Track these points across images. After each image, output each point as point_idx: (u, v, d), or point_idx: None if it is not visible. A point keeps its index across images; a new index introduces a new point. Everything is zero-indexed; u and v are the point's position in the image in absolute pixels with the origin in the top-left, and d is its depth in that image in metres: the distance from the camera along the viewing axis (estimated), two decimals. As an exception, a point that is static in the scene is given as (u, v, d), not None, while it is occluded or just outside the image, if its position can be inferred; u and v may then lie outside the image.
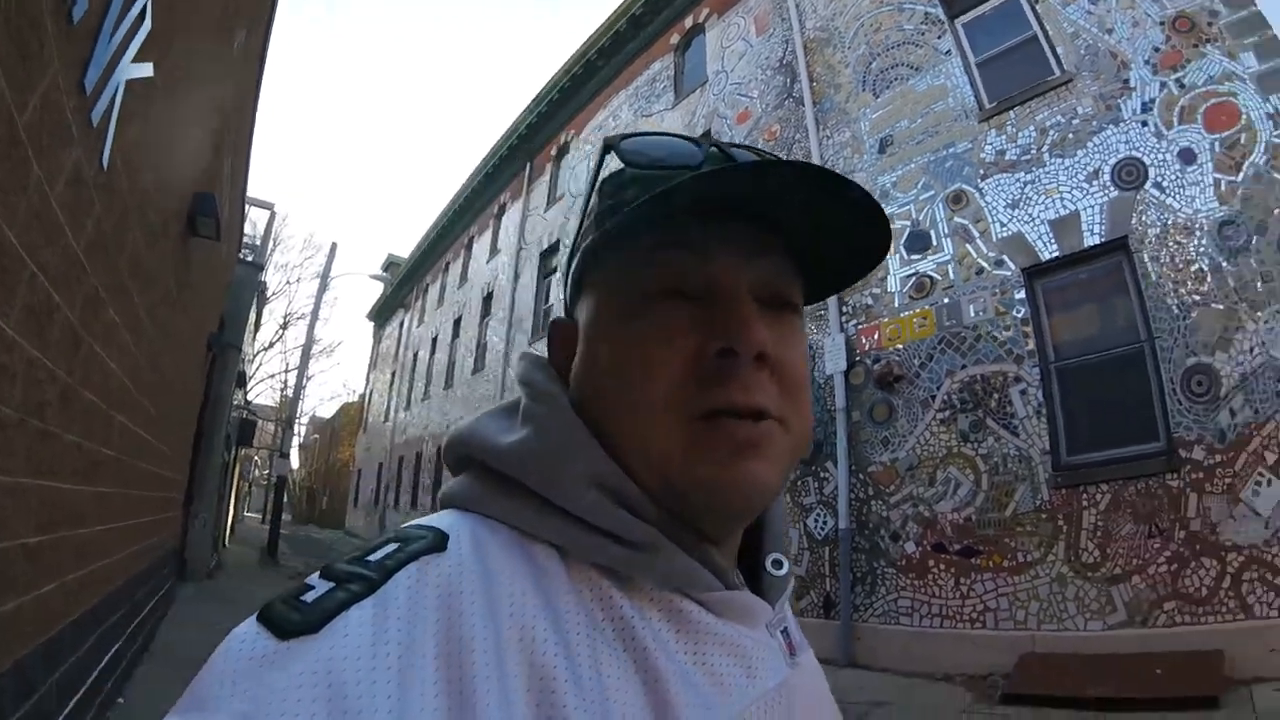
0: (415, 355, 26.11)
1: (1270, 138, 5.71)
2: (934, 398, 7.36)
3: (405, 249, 33.14)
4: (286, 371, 28.62)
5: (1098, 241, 6.62)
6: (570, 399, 0.54)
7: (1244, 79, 5.95)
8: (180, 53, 3.90)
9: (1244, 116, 5.88)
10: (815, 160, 8.59)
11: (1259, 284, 5.58)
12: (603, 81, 15.58)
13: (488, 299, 19.69)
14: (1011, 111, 7.50)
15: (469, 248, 22.47)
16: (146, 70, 3.10)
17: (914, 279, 7.89)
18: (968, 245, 7.52)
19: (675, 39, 13.53)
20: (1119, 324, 6.52)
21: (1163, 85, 6.41)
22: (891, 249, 0.66)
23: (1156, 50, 6.51)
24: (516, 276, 17.71)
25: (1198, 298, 5.88)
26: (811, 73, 9.84)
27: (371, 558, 0.42)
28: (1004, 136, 7.50)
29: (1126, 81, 6.66)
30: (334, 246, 21.99)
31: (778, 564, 0.58)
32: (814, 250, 0.55)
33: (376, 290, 33.21)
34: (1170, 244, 6.11)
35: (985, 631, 6.39)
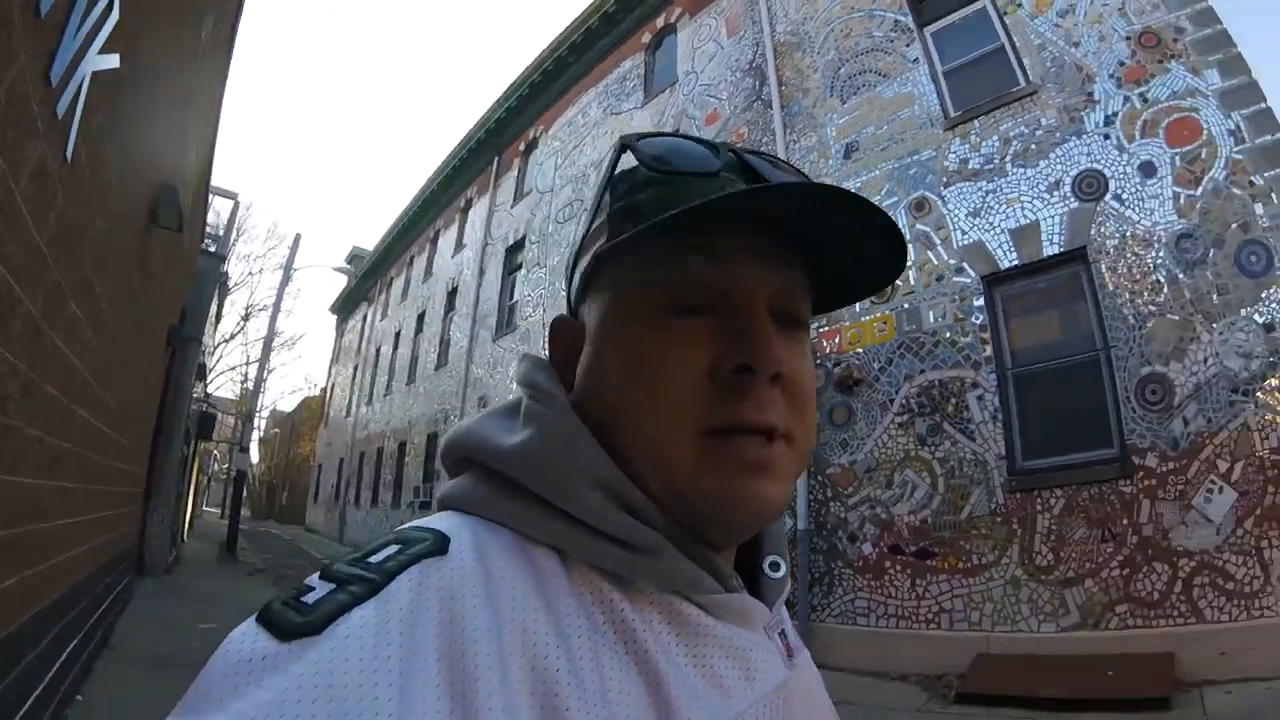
0: (378, 350, 25.48)
1: (1230, 154, 5.76)
2: (892, 401, 7.33)
3: (370, 241, 32.47)
4: (247, 364, 28.13)
5: (1057, 251, 6.64)
6: (573, 400, 0.53)
7: (1207, 95, 6.00)
8: (147, 42, 3.84)
9: (1205, 132, 5.93)
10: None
11: (1215, 296, 5.62)
12: (573, 78, 15.32)
13: (452, 294, 19.28)
14: (976, 121, 7.50)
15: (434, 242, 21.97)
16: (113, 62, 3.05)
17: (875, 284, 7.81)
18: (929, 252, 7.50)
19: (647, 38, 13.38)
20: (1076, 332, 6.54)
21: (1126, 99, 6.45)
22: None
23: (1122, 64, 6.54)
24: (482, 272, 17.34)
25: (1154, 308, 5.93)
26: (781, 76, 9.77)
27: (372, 560, 0.41)
28: (968, 145, 7.50)
29: (1091, 94, 6.68)
30: (298, 238, 21.53)
31: (775, 566, 0.58)
32: (822, 265, 0.54)
33: (340, 283, 32.48)
34: (1128, 255, 6.15)
35: (940, 632, 6.38)
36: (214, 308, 15.45)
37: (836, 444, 7.65)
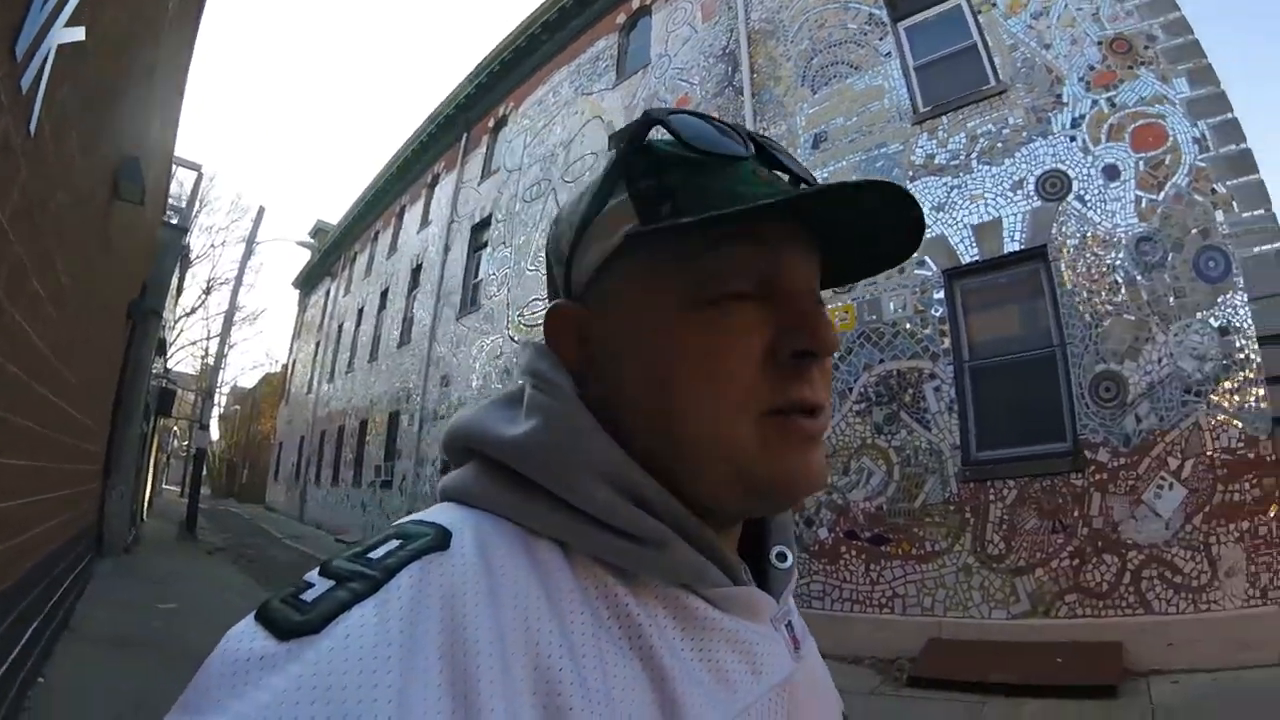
0: (340, 326, 24.47)
1: (1194, 161, 5.78)
2: (851, 390, 7.29)
3: (335, 215, 31.11)
4: (208, 339, 26.71)
5: (1018, 248, 6.63)
6: (580, 389, 0.51)
7: (1174, 103, 6.00)
8: (114, 12, 3.76)
9: (1171, 138, 5.94)
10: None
11: (1171, 298, 5.66)
12: (545, 56, 14.81)
13: (416, 271, 18.62)
14: (944, 117, 7.43)
15: (400, 217, 21.16)
16: (78, 34, 2.98)
17: (838, 274, 7.78)
18: (893, 243, 7.41)
19: (621, 18, 12.98)
20: (1033, 328, 6.57)
21: (1094, 103, 6.43)
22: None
23: (1092, 68, 6.52)
24: (447, 249, 16.79)
25: (1111, 308, 5.95)
26: (753, 64, 9.57)
27: (373, 555, 0.39)
28: (935, 141, 7.44)
29: (1059, 96, 6.65)
30: (261, 210, 20.60)
31: (782, 557, 0.56)
32: (831, 245, 0.53)
33: (303, 257, 31.05)
34: (1088, 255, 6.16)
35: (894, 617, 6.40)
36: (175, 281, 14.82)
37: (795, 430, 7.55)
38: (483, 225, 15.67)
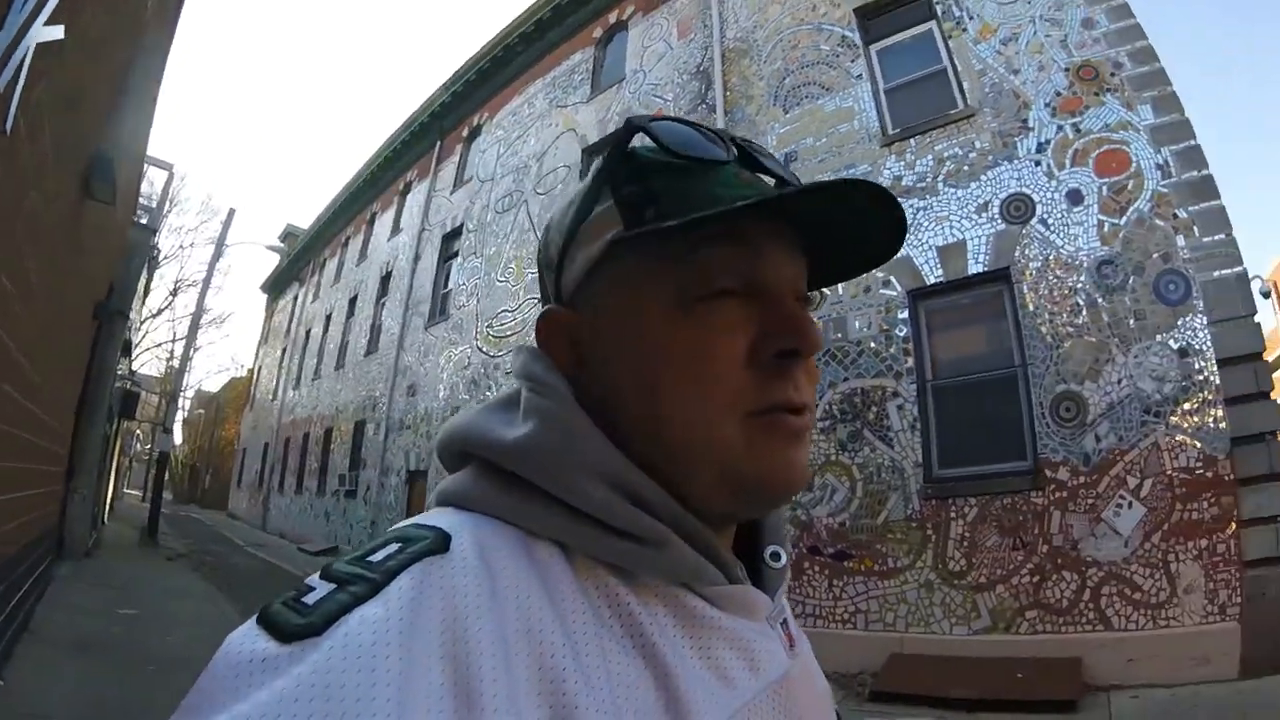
0: (308, 332, 23.79)
1: (1157, 186, 5.82)
2: (816, 407, 7.17)
3: (305, 220, 30.43)
4: (174, 341, 25.91)
5: (981, 270, 6.63)
6: (574, 392, 0.50)
7: (1139, 129, 6.05)
8: (93, 11, 3.73)
9: (1134, 164, 5.99)
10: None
11: (1132, 321, 5.68)
12: (521, 67, 14.63)
13: (386, 278, 18.18)
14: (912, 139, 7.44)
15: (370, 224, 20.68)
16: (57, 33, 2.92)
17: (805, 292, 7.75)
18: (858, 263, 7.39)
19: (598, 32, 12.90)
20: (995, 349, 6.55)
21: (1060, 128, 6.47)
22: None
23: (1058, 94, 6.56)
24: (417, 258, 16.43)
25: (1072, 330, 5.96)
26: (727, 82, 9.54)
27: (373, 558, 0.39)
28: (903, 163, 7.44)
29: (1025, 121, 6.69)
30: (231, 212, 19.88)
31: (776, 556, 0.55)
32: (817, 247, 0.53)
33: (272, 261, 30.01)
34: (1050, 277, 6.18)
35: (856, 632, 6.31)
36: (142, 282, 14.36)
37: (760, 446, 7.47)
38: (454, 235, 15.40)
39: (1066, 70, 6.58)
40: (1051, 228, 6.26)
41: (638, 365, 0.48)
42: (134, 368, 19.62)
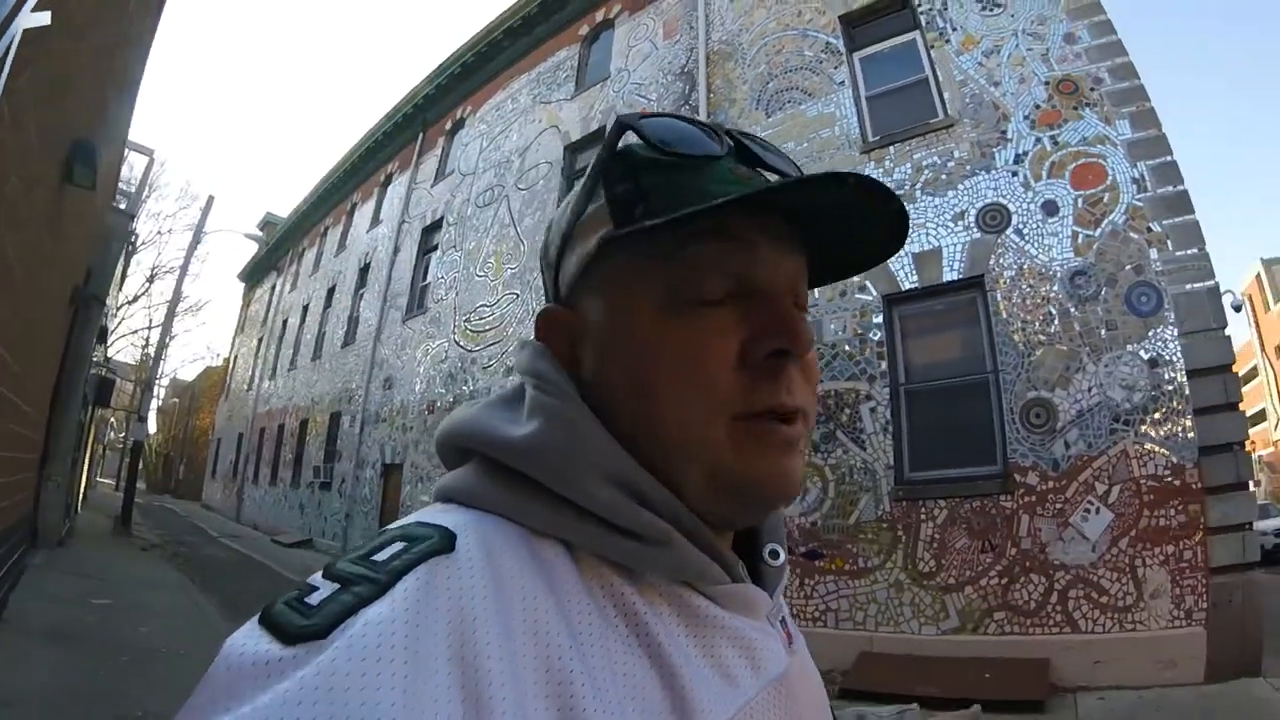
0: (285, 322, 23.19)
1: (1132, 200, 5.83)
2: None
3: (285, 208, 29.75)
4: (150, 328, 25.33)
5: (956, 277, 6.62)
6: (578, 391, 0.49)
7: (1116, 144, 6.06)
8: None
9: (1110, 178, 6.00)
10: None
11: (1103, 331, 5.69)
12: (506, 61, 14.37)
13: (364, 270, 17.79)
14: (892, 147, 7.41)
15: (350, 215, 20.19)
16: (44, 19, 2.89)
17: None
18: (835, 268, 7.37)
19: (584, 30, 12.72)
20: (968, 354, 6.55)
21: (1038, 140, 6.47)
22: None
23: (1038, 107, 6.56)
24: (396, 250, 16.08)
25: (1044, 338, 5.97)
26: (710, 84, 9.45)
27: (377, 558, 0.38)
28: (881, 170, 7.39)
29: (1004, 133, 6.68)
30: (210, 200, 19.37)
31: (774, 554, 0.55)
32: (816, 244, 0.52)
33: (250, 249, 29.40)
34: (1023, 286, 6.18)
35: (827, 630, 6.27)
36: (120, 268, 13.98)
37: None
38: (434, 228, 15.11)
39: (1046, 84, 6.58)
40: (1026, 237, 6.26)
41: (629, 365, 0.47)
42: (109, 354, 19.15)
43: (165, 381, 38.09)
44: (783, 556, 0.55)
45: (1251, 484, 5.38)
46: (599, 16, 12.51)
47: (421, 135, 16.92)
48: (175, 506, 27.81)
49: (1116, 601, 5.09)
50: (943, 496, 6.08)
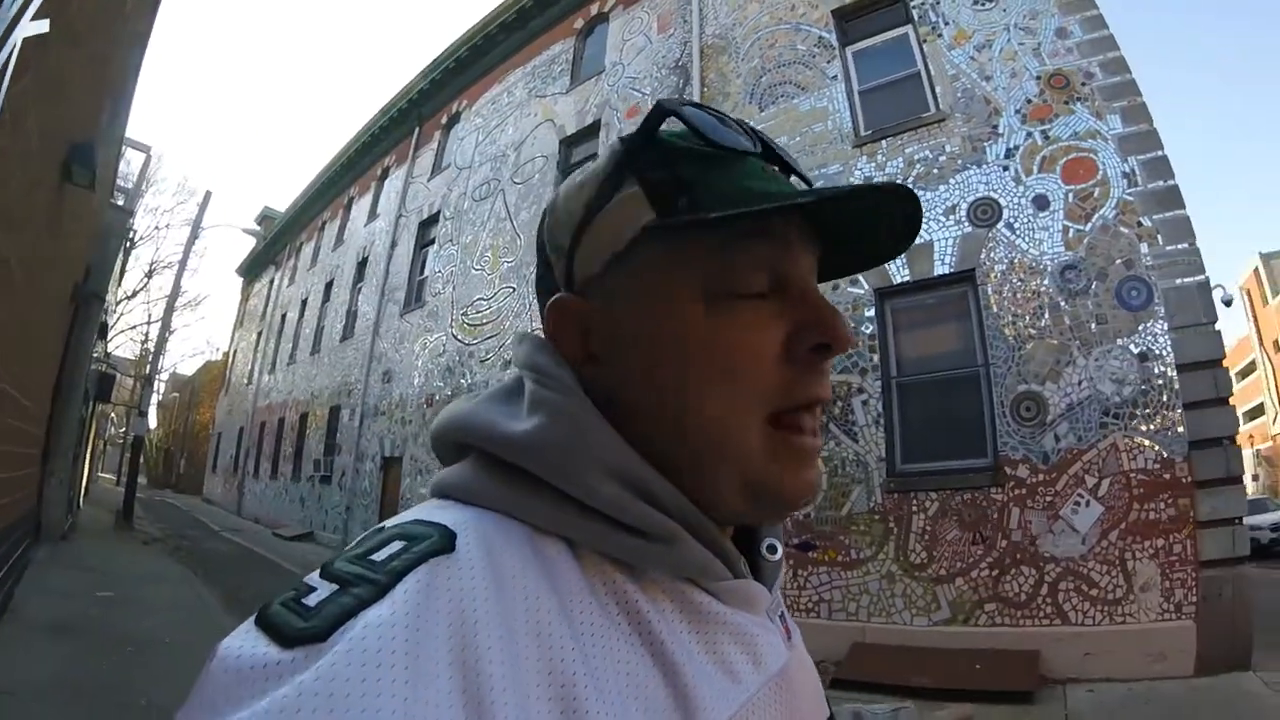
0: (284, 316, 23.04)
1: (1122, 194, 5.77)
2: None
3: (282, 203, 29.42)
4: (149, 323, 25.10)
5: (947, 271, 6.57)
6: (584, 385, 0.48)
7: (1106, 138, 5.99)
8: (78, 2, 3.72)
9: (1100, 172, 5.93)
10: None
11: (1093, 325, 5.64)
12: (502, 55, 14.21)
13: (362, 264, 17.64)
14: (884, 141, 7.33)
15: (348, 209, 20.02)
16: (43, 27, 2.92)
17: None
18: (827, 261, 7.32)
19: (579, 23, 12.58)
20: (959, 348, 6.50)
21: (1029, 134, 6.40)
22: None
23: (1029, 101, 6.48)
24: (393, 244, 15.95)
25: (1034, 331, 5.92)
26: (704, 78, 9.35)
27: (376, 557, 0.36)
28: (873, 164, 7.33)
29: (995, 127, 6.61)
30: (208, 195, 19.25)
31: (772, 549, 0.54)
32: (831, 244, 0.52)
33: (248, 244, 29.16)
34: (1014, 280, 6.13)
35: (819, 621, 6.24)
36: (118, 263, 13.86)
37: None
38: (431, 222, 14.99)
39: (1038, 78, 6.50)
40: (1017, 232, 6.20)
41: (662, 360, 0.46)
42: (109, 350, 19.03)
43: (165, 376, 37.85)
44: (780, 551, 0.55)
45: (1249, 478, 5.36)
46: (593, 10, 12.37)
47: (418, 129, 16.75)
48: (176, 501, 27.73)
49: (1106, 594, 5.06)
50: (934, 489, 6.05)
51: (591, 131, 11.19)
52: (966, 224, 6.51)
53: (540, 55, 13.24)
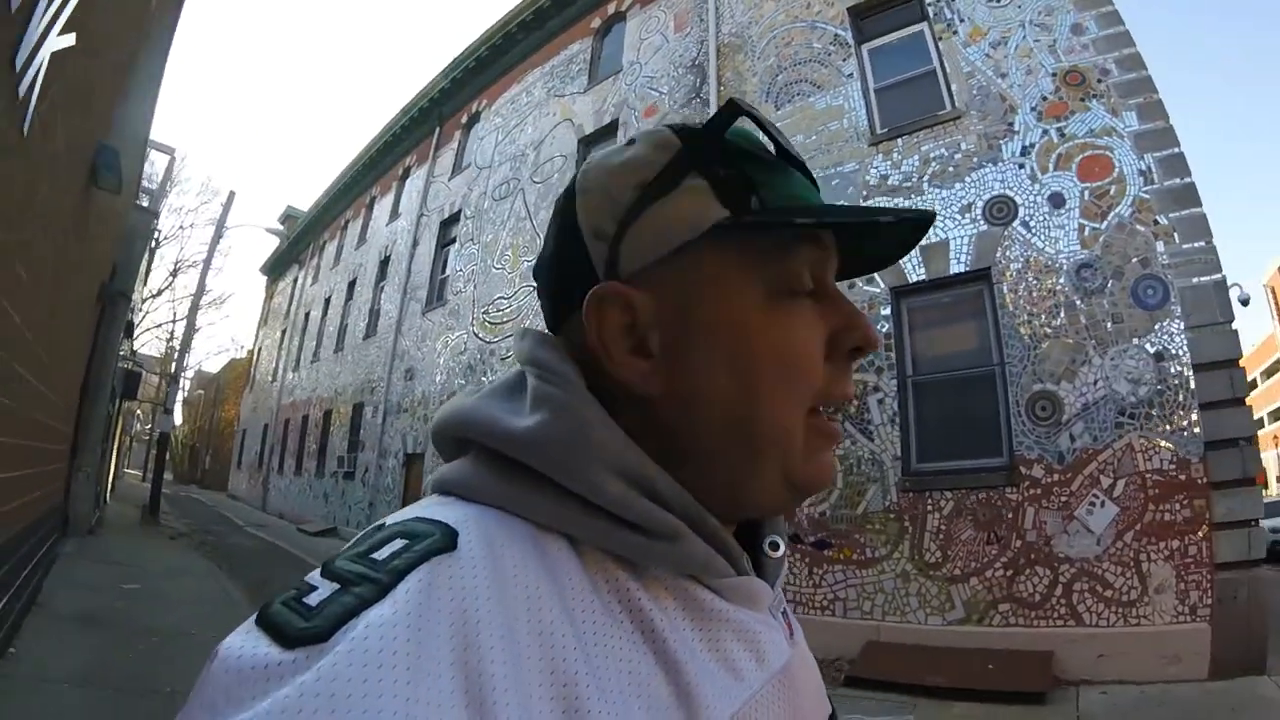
0: (307, 315, 23.26)
1: (1139, 192, 5.69)
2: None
3: (305, 202, 29.69)
4: (174, 321, 25.36)
5: (963, 269, 6.52)
6: (586, 378, 0.47)
7: (1122, 136, 5.91)
8: (101, 15, 3.78)
9: (1116, 170, 5.85)
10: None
11: (1109, 324, 5.57)
12: (520, 55, 14.28)
13: (384, 263, 17.76)
14: (900, 139, 7.27)
15: (370, 208, 20.17)
16: (69, 41, 3.00)
17: (790, 288, 7.71)
18: (843, 260, 7.29)
19: (596, 23, 12.59)
20: (974, 347, 6.44)
21: (1045, 132, 6.32)
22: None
23: (1045, 99, 6.40)
24: (415, 243, 16.04)
25: (1050, 330, 5.86)
26: (721, 76, 9.32)
27: (378, 556, 0.36)
28: (889, 162, 7.28)
29: (1011, 125, 6.53)
30: (231, 195, 19.50)
31: (774, 546, 0.54)
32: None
33: (272, 243, 29.35)
34: (1030, 279, 6.06)
35: (834, 619, 6.23)
36: (144, 263, 14.11)
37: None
38: (452, 221, 15.07)
39: (1054, 75, 6.41)
40: (1033, 230, 6.13)
41: (728, 351, 0.46)
42: (135, 348, 19.30)
43: (190, 374, 38.30)
44: (783, 548, 0.54)
45: (1273, 479, 5.26)
46: (610, 9, 12.37)
47: (438, 129, 16.84)
48: (201, 496, 27.99)
49: (1121, 596, 5.00)
50: (949, 488, 6.00)
51: (609, 131, 11.19)
52: (982, 222, 6.46)
53: (558, 55, 13.26)
